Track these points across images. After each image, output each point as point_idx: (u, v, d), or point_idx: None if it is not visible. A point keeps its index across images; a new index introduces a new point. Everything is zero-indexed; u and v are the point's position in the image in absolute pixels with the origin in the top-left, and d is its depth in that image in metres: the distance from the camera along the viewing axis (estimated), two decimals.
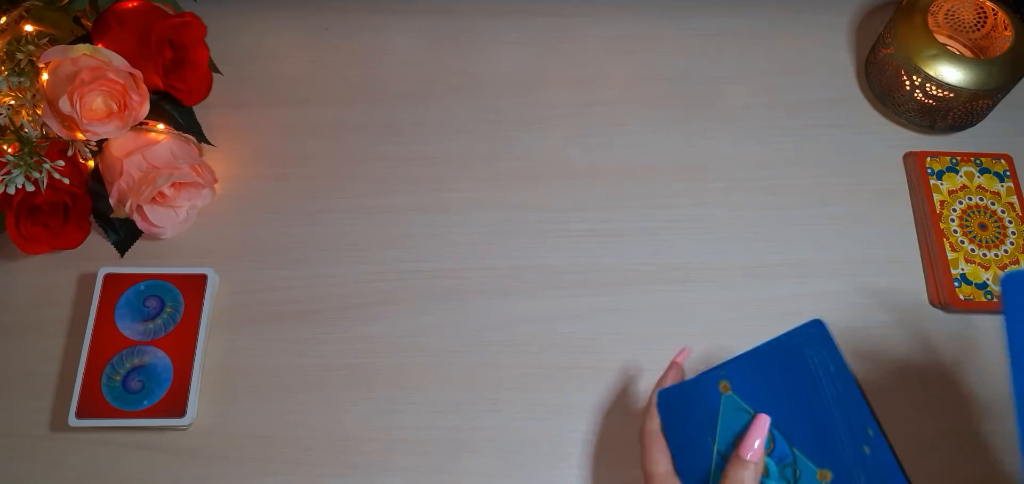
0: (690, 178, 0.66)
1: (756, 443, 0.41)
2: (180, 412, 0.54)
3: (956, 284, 0.60)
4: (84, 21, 0.61)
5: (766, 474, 0.41)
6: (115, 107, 0.56)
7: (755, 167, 0.67)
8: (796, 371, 0.43)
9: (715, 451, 0.43)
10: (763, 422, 0.41)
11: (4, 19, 0.58)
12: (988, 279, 0.60)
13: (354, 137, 0.68)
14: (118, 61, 0.56)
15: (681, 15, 0.75)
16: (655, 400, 0.46)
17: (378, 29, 0.73)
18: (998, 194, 0.64)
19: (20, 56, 0.56)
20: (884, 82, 0.68)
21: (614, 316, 0.60)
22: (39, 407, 0.56)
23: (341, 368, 0.58)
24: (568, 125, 0.68)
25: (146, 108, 0.58)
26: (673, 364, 0.49)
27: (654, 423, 0.45)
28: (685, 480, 0.43)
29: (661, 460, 0.44)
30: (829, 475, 0.41)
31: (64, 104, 0.54)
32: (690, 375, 0.47)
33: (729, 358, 0.45)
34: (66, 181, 0.56)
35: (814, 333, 0.45)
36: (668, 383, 0.47)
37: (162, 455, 0.55)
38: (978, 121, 0.68)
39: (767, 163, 0.67)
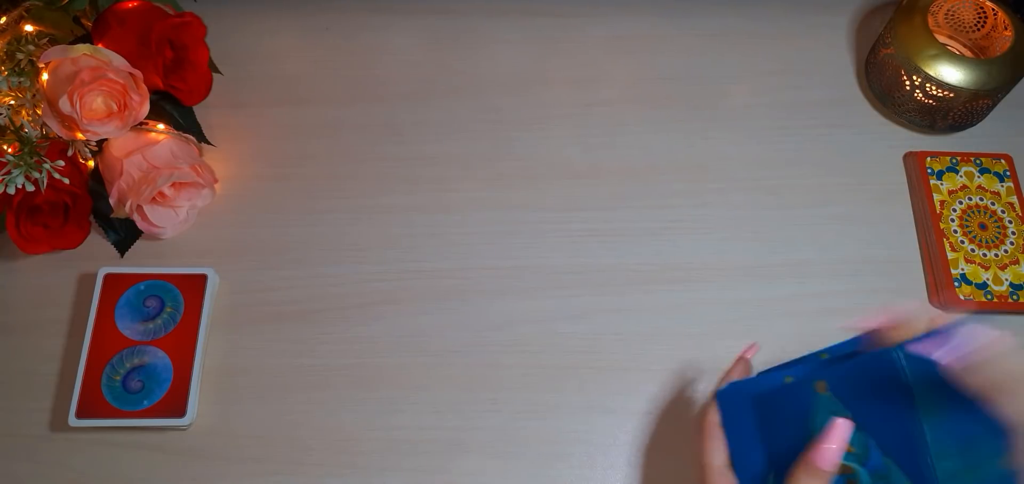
0: (690, 178, 0.66)
1: (833, 450, 0.37)
2: (180, 412, 0.54)
3: (956, 284, 0.60)
4: (84, 21, 0.61)
5: (857, 483, 0.39)
6: (115, 107, 0.56)
7: (755, 167, 0.67)
8: (890, 380, 0.41)
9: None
10: (843, 428, 0.37)
11: (4, 19, 0.58)
12: (988, 279, 0.60)
13: (354, 137, 0.68)
14: (118, 61, 0.56)
15: (681, 15, 0.75)
16: (717, 392, 0.45)
17: (378, 29, 0.73)
18: (998, 194, 0.64)
19: (20, 56, 0.56)
20: (884, 82, 0.68)
21: (614, 316, 0.60)
22: (39, 407, 0.56)
23: (341, 368, 0.58)
24: (568, 125, 0.68)
25: (146, 108, 0.58)
26: (741, 359, 0.47)
27: (715, 416, 0.44)
28: (744, 476, 0.42)
29: (718, 453, 0.43)
30: None
31: (64, 104, 0.54)
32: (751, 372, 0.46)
33: (798, 357, 0.43)
34: (66, 181, 0.56)
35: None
36: (734, 377, 0.46)
37: (162, 455, 0.55)
38: (978, 121, 0.68)
39: (767, 163, 0.67)
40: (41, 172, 0.54)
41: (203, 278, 0.59)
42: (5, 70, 0.56)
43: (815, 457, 0.37)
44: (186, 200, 0.62)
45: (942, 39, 0.69)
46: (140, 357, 0.56)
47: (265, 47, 0.72)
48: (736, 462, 0.43)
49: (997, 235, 0.62)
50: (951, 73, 0.62)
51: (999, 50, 0.64)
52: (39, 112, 0.56)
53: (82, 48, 0.55)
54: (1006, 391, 0.33)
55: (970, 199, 0.63)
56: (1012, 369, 0.33)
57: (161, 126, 0.61)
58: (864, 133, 0.69)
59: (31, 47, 0.57)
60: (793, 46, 0.73)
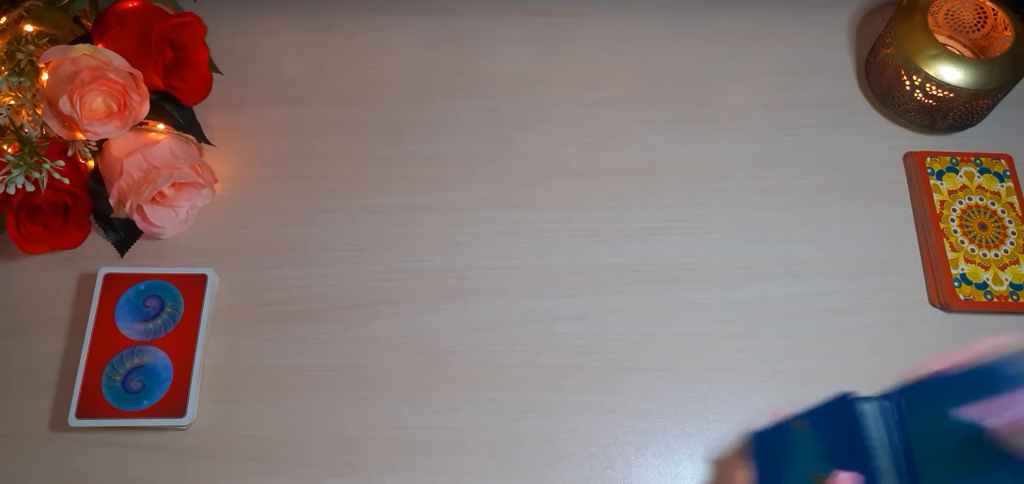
0: (690, 178, 0.66)
1: None
2: (180, 412, 0.54)
3: (956, 284, 0.60)
4: (84, 21, 0.62)
5: None
6: (115, 107, 0.56)
7: (755, 167, 0.67)
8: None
9: None
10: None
11: (4, 19, 0.58)
12: (988, 279, 0.60)
13: (354, 137, 0.68)
14: (118, 61, 0.56)
15: (681, 15, 0.75)
16: None
17: (378, 29, 0.73)
18: (998, 194, 0.64)
19: (20, 56, 0.56)
20: (884, 82, 0.68)
21: (614, 316, 0.60)
22: (39, 407, 0.56)
23: (341, 368, 0.58)
24: (568, 125, 0.68)
25: (146, 108, 0.58)
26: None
27: None
28: None
29: None
30: None
31: (64, 104, 0.54)
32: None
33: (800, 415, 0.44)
34: (66, 181, 0.56)
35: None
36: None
37: (162, 455, 0.55)
38: (978, 121, 0.68)
39: (767, 163, 0.67)
40: (41, 172, 0.54)
41: (203, 278, 0.59)
42: (5, 70, 0.56)
43: None
44: (186, 200, 0.62)
45: (942, 39, 0.69)
46: (140, 357, 0.56)
47: (265, 47, 0.72)
48: None
49: (997, 235, 0.62)
50: (951, 73, 0.62)
51: (999, 50, 0.64)
52: (39, 112, 0.56)
53: (82, 48, 0.55)
54: None
55: (970, 199, 0.63)
56: None
57: (161, 126, 0.61)
58: (864, 133, 0.69)
59: (31, 47, 0.57)
60: (793, 46, 0.73)
